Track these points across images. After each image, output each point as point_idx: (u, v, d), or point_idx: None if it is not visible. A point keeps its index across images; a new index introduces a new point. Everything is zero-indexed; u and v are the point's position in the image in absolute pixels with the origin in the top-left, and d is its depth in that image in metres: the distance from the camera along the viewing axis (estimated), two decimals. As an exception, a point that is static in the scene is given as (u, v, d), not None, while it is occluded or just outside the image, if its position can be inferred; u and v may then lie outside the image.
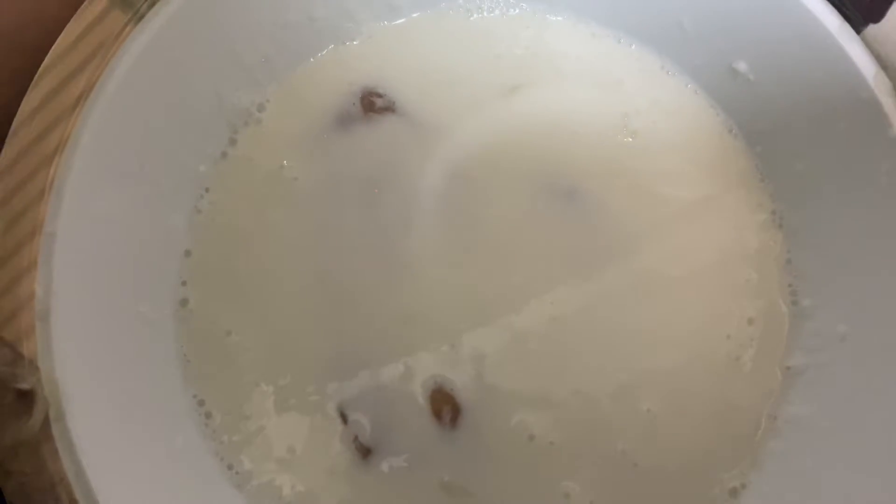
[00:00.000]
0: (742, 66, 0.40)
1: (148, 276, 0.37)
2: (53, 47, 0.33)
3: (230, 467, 0.36)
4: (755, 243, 0.40)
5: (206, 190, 0.39)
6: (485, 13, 0.43)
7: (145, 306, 0.37)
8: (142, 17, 0.34)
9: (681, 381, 0.38)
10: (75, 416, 0.31)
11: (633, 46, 0.43)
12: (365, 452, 0.37)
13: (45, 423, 0.31)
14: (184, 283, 0.38)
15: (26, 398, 0.31)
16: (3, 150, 0.33)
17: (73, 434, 0.31)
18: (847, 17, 0.36)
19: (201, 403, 0.37)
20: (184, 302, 0.38)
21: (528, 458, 0.37)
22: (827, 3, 0.37)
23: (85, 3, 0.34)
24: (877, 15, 0.36)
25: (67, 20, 0.33)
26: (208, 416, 0.37)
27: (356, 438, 0.37)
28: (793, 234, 0.40)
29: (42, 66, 0.33)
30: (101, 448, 0.32)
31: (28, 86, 0.33)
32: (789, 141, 0.40)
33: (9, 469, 0.31)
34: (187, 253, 0.39)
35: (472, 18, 0.42)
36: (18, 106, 0.33)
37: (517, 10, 0.43)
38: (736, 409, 0.38)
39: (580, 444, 0.37)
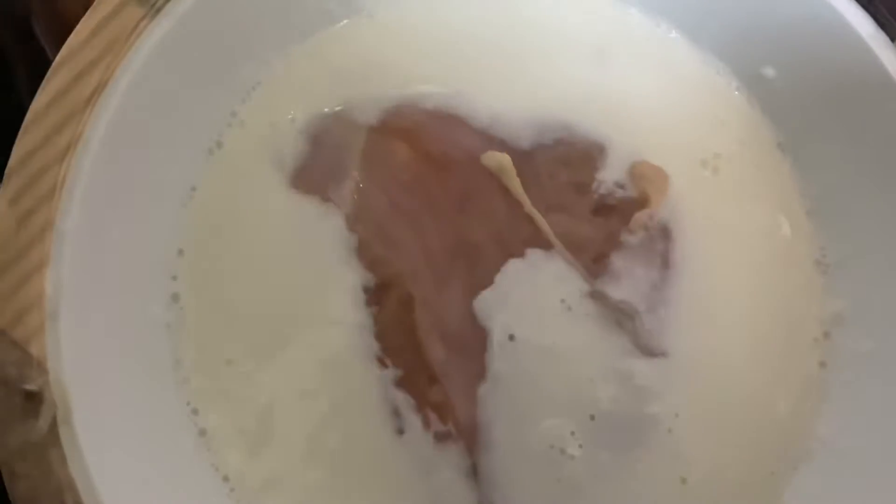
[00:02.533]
0: (770, 71, 0.39)
1: (156, 276, 0.36)
2: (67, 42, 0.33)
3: (226, 479, 0.35)
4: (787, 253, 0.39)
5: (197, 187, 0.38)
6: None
7: (156, 307, 0.36)
8: (158, 10, 0.34)
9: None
10: (83, 418, 0.31)
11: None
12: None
13: (53, 425, 0.30)
14: (174, 278, 0.37)
15: (34, 400, 0.30)
16: (15, 146, 0.32)
17: (81, 437, 0.31)
18: (881, 24, 0.35)
19: (195, 412, 0.36)
20: (175, 297, 0.37)
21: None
22: (860, 8, 0.36)
23: (99, -3, 0.33)
24: (912, 21, 0.35)
25: None
26: (205, 423, 0.36)
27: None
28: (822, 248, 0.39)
29: (55, 60, 0.33)
30: (108, 452, 0.31)
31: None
32: (818, 151, 0.39)
33: (16, 472, 0.30)
34: (180, 252, 0.37)
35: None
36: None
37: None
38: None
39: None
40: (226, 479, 0.35)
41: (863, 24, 0.36)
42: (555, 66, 0.40)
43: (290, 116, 0.38)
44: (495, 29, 0.40)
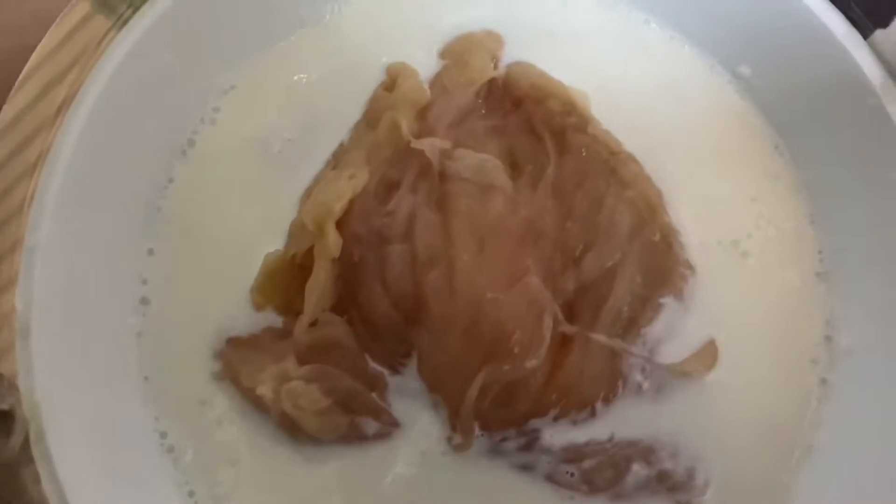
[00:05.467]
0: (745, 70, 0.39)
1: (126, 281, 0.36)
2: (34, 55, 0.32)
3: (191, 494, 0.35)
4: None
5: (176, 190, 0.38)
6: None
7: (126, 314, 0.36)
8: (125, 22, 0.33)
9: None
10: (56, 436, 0.31)
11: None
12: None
13: (26, 444, 0.30)
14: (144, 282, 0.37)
15: (5, 419, 0.30)
16: (-18, 162, 0.32)
17: (54, 456, 0.31)
18: (854, 22, 0.35)
19: (163, 431, 0.36)
20: (145, 303, 0.37)
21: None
22: (833, 7, 0.36)
23: (66, 8, 0.33)
24: (885, 19, 0.35)
25: None
26: (170, 442, 0.36)
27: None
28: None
29: (22, 73, 0.32)
30: (81, 469, 0.31)
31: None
32: (793, 150, 0.39)
33: (-12, 492, 0.30)
34: (150, 252, 0.37)
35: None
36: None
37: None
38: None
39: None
40: (191, 494, 0.35)
41: (836, 24, 0.36)
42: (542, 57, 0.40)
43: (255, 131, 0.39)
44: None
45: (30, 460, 0.30)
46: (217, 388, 0.36)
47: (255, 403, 0.36)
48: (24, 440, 0.30)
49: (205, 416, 0.36)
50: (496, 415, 0.35)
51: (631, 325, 0.36)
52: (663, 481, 0.36)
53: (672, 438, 0.36)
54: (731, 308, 0.37)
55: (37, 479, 0.30)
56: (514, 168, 0.38)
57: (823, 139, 0.38)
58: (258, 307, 0.37)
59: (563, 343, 0.35)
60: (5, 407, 0.30)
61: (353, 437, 0.36)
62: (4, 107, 0.32)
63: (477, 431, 0.35)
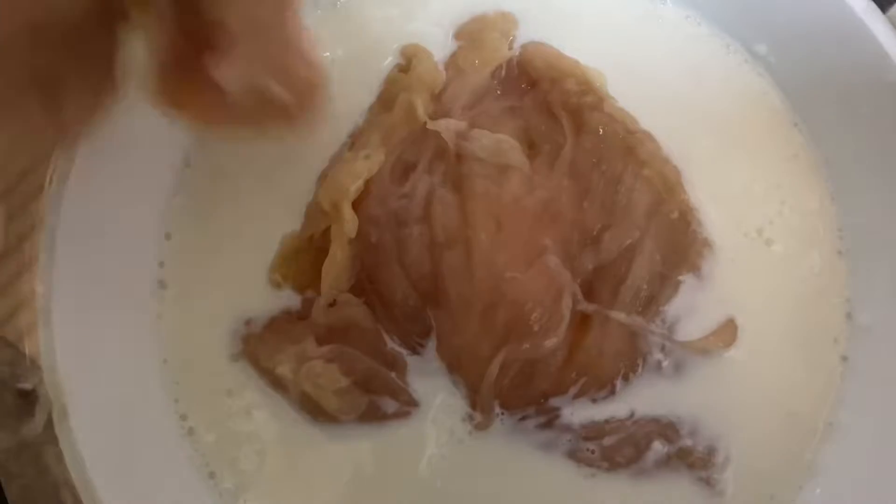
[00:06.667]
0: (762, 48, 0.39)
1: (144, 262, 0.37)
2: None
3: (212, 475, 0.36)
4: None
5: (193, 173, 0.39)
6: None
7: (145, 295, 0.36)
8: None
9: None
10: (79, 416, 0.31)
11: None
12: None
13: (48, 423, 0.30)
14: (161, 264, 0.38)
15: (28, 398, 0.30)
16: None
17: (77, 434, 0.31)
18: (873, -3, 0.35)
19: (182, 413, 0.36)
20: (163, 286, 0.37)
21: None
22: (851, -20, 0.36)
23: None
24: (905, -7, 0.35)
25: None
26: (192, 422, 0.36)
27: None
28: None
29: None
30: (103, 448, 0.31)
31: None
32: (812, 127, 0.39)
33: (11, 471, 0.30)
34: (167, 236, 0.38)
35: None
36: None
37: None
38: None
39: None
40: (212, 475, 0.36)
41: (854, -2, 0.36)
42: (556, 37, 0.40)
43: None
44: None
45: (53, 440, 0.30)
46: (237, 371, 0.36)
47: (275, 384, 0.36)
48: (47, 420, 0.30)
49: (225, 399, 0.36)
50: (516, 393, 0.35)
51: (650, 303, 0.36)
52: (683, 458, 0.36)
53: (692, 416, 0.36)
54: (752, 287, 0.37)
55: (60, 459, 0.30)
56: (530, 148, 0.38)
57: (842, 115, 0.37)
58: (276, 286, 0.37)
59: (582, 322, 0.36)
60: (28, 386, 0.30)
61: (373, 416, 0.36)
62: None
63: (497, 410, 0.36)
